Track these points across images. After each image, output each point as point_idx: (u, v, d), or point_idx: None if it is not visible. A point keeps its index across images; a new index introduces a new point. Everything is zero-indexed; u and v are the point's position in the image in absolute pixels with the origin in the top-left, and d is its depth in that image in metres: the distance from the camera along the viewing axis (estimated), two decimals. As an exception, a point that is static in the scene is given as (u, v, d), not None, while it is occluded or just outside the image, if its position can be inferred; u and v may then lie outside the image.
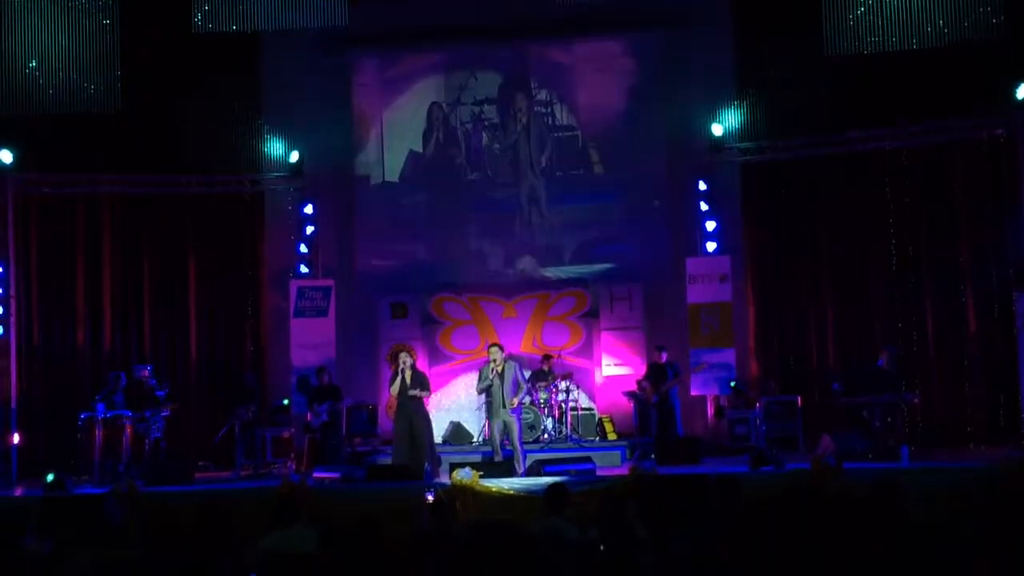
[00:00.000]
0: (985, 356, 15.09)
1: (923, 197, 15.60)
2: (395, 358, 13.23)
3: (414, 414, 12.97)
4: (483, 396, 14.11)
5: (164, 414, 14.62)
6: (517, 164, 17.26)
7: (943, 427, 15.06)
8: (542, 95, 17.31)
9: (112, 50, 13.84)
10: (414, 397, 12.96)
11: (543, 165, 17.18)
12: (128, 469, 13.73)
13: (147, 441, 14.39)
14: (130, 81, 14.15)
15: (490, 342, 13.86)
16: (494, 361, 12.80)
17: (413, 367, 13.12)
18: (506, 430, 12.81)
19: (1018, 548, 5.22)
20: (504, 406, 12.69)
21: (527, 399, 14.23)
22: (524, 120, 17.20)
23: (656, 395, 15.04)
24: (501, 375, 12.72)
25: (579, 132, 17.27)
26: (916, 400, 14.04)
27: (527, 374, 14.82)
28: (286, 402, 15.96)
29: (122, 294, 16.63)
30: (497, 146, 17.33)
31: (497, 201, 17.30)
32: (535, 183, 17.21)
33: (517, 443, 12.74)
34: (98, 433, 14.05)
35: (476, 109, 17.41)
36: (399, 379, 12.95)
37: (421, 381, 13.13)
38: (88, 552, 5.76)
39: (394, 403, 13.21)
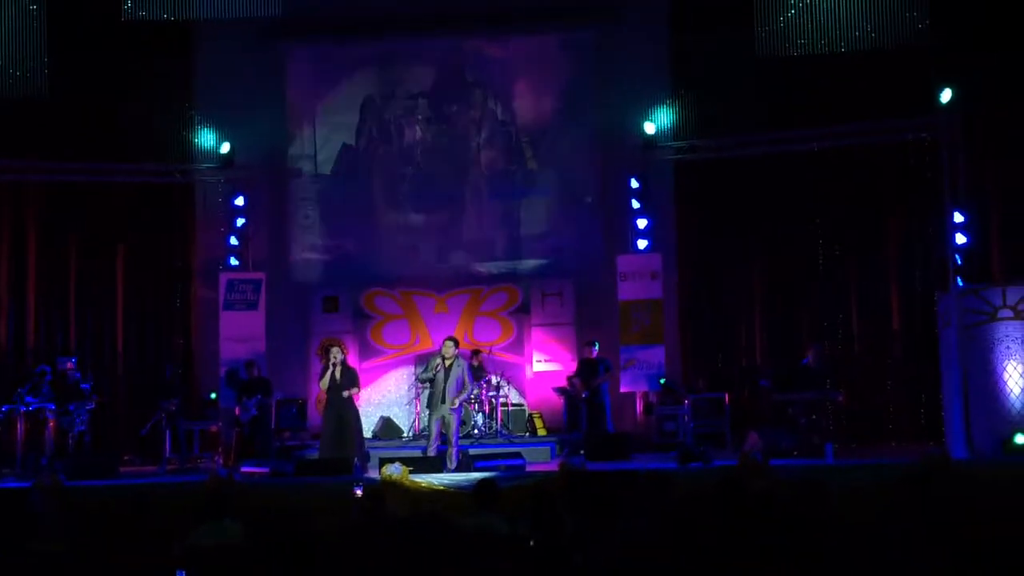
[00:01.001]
0: (908, 355, 15.42)
1: (850, 198, 15.86)
2: (326, 352, 13.18)
3: (343, 409, 12.94)
4: (420, 387, 14.02)
5: (89, 407, 14.40)
6: (465, 158, 17.19)
7: (866, 425, 15.33)
8: (478, 90, 17.29)
9: (40, 35, 13.56)
10: (343, 392, 12.92)
11: (489, 160, 17.15)
12: (51, 462, 13.50)
13: (71, 434, 14.17)
14: (58, 67, 13.86)
15: (447, 336, 13.45)
16: (444, 355, 12.71)
17: (344, 362, 13.07)
18: (443, 425, 12.76)
19: (939, 543, 5.33)
20: (444, 401, 12.62)
21: (472, 396, 14.12)
22: (477, 115, 17.16)
23: (586, 391, 15.09)
24: (448, 370, 12.64)
25: (513, 128, 17.29)
26: (841, 398, 14.27)
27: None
28: (213, 396, 15.80)
29: (47, 284, 16.37)
30: (431, 139, 17.26)
31: (430, 196, 17.25)
32: (478, 179, 17.18)
33: (453, 439, 12.68)
34: (20, 426, 13.81)
35: (410, 103, 17.35)
36: (328, 374, 12.90)
37: (351, 377, 13.08)
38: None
39: (324, 397, 13.16)
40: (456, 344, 12.91)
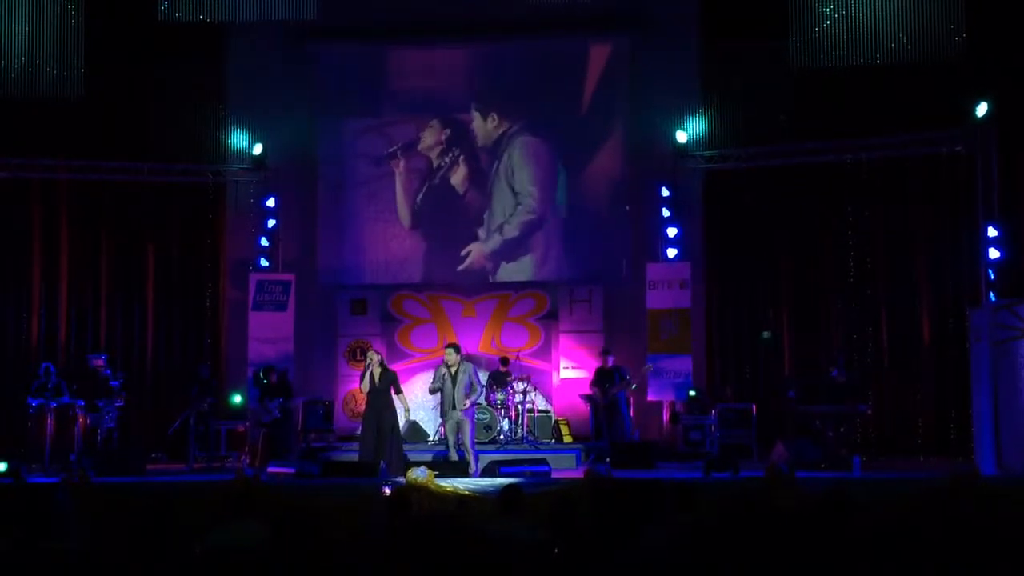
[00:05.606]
0: (937, 370, 15.28)
1: (882, 210, 15.78)
2: (365, 355, 13.28)
3: (382, 411, 12.96)
4: (438, 395, 14.05)
5: (117, 404, 14.50)
6: (494, 163, 17.16)
7: (894, 438, 15.24)
8: (509, 94, 17.25)
9: (76, 36, 13.70)
10: (382, 394, 12.94)
11: (518, 165, 17.12)
12: (80, 459, 13.60)
13: (100, 431, 14.27)
14: (93, 68, 14.00)
15: (448, 342, 13.75)
16: (447, 363, 12.75)
17: (382, 364, 13.09)
18: (458, 430, 12.77)
19: (963, 561, 5.29)
20: (454, 407, 12.66)
21: (481, 401, 14.19)
22: (507, 120, 17.13)
23: (604, 398, 15.09)
24: (454, 376, 12.67)
25: (543, 134, 17.18)
26: (868, 411, 14.17)
27: (483, 376, 14.84)
28: (238, 399, 15.87)
29: (79, 282, 16.48)
30: (460, 143, 17.23)
31: (459, 200, 17.24)
32: (507, 183, 17.14)
33: (468, 444, 12.69)
34: (49, 422, 13.91)
35: (440, 108, 17.28)
36: (367, 376, 12.93)
37: (390, 379, 13.07)
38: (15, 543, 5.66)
39: (362, 399, 13.24)
40: (458, 350, 12.97)
